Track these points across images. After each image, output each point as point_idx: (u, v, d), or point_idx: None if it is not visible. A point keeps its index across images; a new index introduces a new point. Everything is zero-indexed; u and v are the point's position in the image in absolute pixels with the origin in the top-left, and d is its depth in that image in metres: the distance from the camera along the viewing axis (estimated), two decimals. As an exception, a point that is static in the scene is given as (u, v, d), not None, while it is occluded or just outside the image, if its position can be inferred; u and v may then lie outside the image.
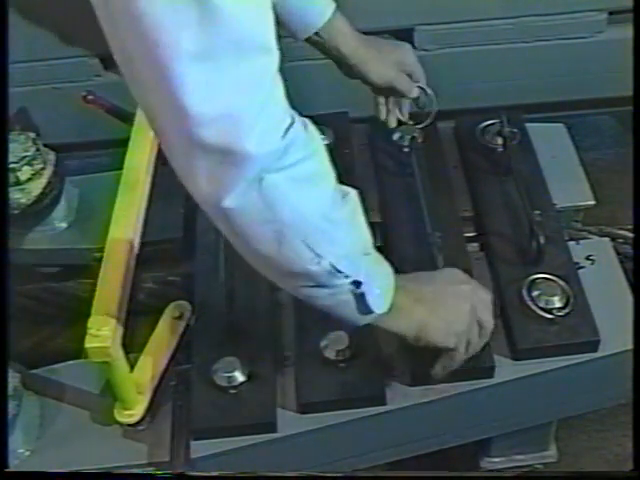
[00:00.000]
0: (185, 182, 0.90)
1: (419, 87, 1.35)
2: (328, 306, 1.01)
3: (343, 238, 0.96)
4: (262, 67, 0.84)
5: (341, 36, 1.30)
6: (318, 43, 1.31)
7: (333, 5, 1.30)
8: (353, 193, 0.98)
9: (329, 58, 1.33)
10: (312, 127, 0.92)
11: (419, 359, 1.16)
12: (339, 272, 0.95)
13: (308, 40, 1.30)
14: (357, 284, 0.97)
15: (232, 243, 0.97)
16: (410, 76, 1.34)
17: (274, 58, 0.85)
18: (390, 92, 1.36)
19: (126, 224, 1.20)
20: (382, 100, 1.38)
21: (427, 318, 1.06)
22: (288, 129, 0.87)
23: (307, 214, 0.92)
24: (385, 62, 1.33)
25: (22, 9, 1.47)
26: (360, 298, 0.99)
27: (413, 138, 1.40)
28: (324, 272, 0.95)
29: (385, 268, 1.03)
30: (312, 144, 0.92)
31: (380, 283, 1.01)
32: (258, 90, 0.85)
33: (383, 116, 1.39)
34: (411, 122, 1.40)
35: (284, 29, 1.29)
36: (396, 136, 1.41)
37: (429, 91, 1.36)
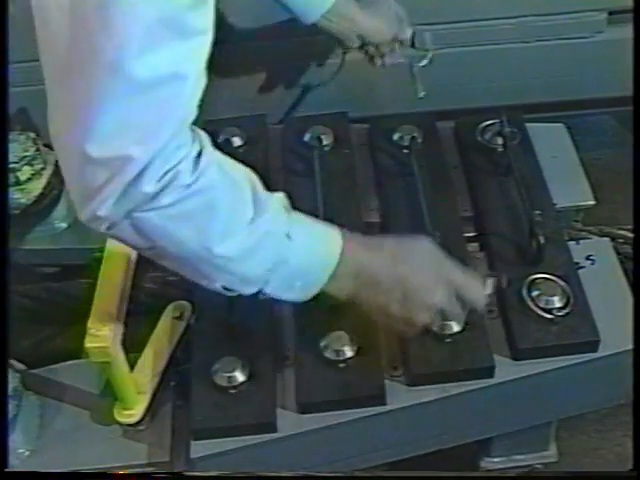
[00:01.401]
0: (69, 185, 0.89)
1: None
2: None
3: (240, 268, 0.94)
4: (166, 96, 0.83)
5: (347, 20, 1.36)
6: (324, 26, 1.35)
7: None
8: (271, 207, 0.96)
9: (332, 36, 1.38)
10: (206, 159, 0.89)
11: (419, 359, 1.17)
12: (233, 291, 0.97)
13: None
14: (262, 293, 0.98)
15: None
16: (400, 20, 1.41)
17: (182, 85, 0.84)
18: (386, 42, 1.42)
19: (126, 224, 1.20)
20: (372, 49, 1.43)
21: (388, 296, 1.03)
22: (166, 172, 0.85)
23: (188, 247, 0.91)
24: (381, 19, 1.39)
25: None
26: (272, 295, 1.00)
27: (413, 138, 1.40)
28: (220, 289, 0.97)
29: (319, 253, 1.00)
30: (199, 182, 0.88)
31: (303, 276, 0.99)
32: (153, 129, 0.83)
33: (379, 62, 1.44)
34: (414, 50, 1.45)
35: (289, 13, 1.30)
36: (396, 136, 1.42)
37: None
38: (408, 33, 1.42)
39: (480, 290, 1.08)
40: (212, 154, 0.91)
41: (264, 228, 0.94)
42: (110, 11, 0.76)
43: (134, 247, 0.95)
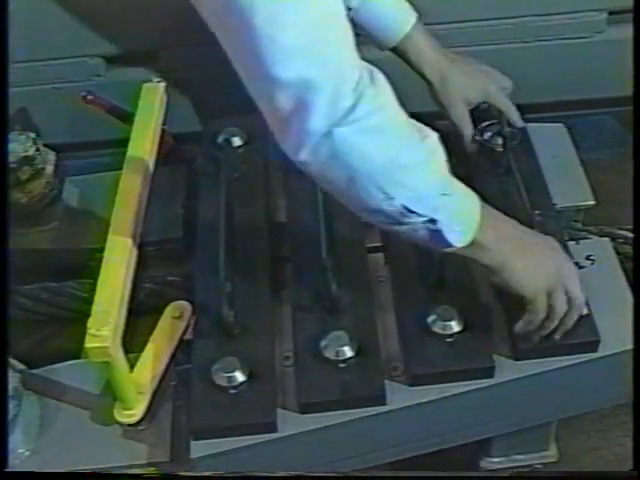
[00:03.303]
0: (275, 132, 1.00)
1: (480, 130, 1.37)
2: (408, 237, 1.06)
3: (416, 181, 1.00)
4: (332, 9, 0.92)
5: (420, 53, 1.33)
6: (400, 56, 1.34)
7: (413, 20, 1.31)
8: (433, 137, 1.02)
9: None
10: (380, 77, 0.97)
11: (419, 359, 1.17)
12: (411, 212, 1.01)
13: (392, 50, 1.33)
14: (433, 221, 1.02)
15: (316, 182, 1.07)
16: (491, 106, 1.36)
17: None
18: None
19: (126, 224, 1.20)
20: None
21: (510, 259, 1.09)
22: (357, 85, 0.93)
23: (376, 161, 0.98)
24: (462, 87, 1.35)
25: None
26: (437, 233, 1.03)
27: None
28: (397, 211, 1.00)
29: (469, 205, 1.06)
30: (380, 97, 0.96)
31: (461, 220, 1.05)
32: (332, 39, 0.92)
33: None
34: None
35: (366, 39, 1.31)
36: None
37: (507, 129, 1.36)
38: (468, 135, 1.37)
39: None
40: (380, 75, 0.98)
41: (432, 147, 1.02)
42: None
43: (330, 179, 1.01)
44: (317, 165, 0.98)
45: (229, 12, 0.89)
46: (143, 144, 1.32)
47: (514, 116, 1.39)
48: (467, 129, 1.37)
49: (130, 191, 1.25)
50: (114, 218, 1.21)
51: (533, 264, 1.11)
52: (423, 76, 1.34)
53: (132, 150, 1.31)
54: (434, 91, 1.35)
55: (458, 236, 1.04)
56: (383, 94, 0.97)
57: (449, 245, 1.05)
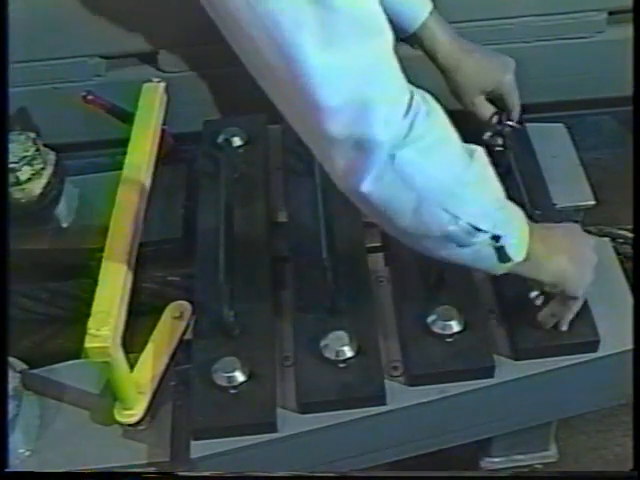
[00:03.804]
0: (325, 168, 0.96)
1: (498, 114, 1.37)
2: (468, 261, 1.05)
3: (477, 196, 0.99)
4: (380, 47, 0.88)
5: (435, 42, 1.32)
6: (416, 45, 1.33)
7: (429, 7, 1.30)
8: (479, 150, 1.00)
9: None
10: (428, 95, 0.95)
11: (419, 359, 1.17)
12: (478, 230, 0.99)
13: (404, 41, 1.31)
14: (496, 238, 1.01)
15: (373, 219, 1.03)
16: (501, 97, 1.36)
17: (389, 37, 0.89)
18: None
19: (126, 224, 1.20)
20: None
21: (565, 266, 1.10)
22: (410, 105, 0.91)
23: (440, 180, 0.96)
24: (475, 77, 1.35)
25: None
26: (500, 250, 1.02)
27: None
28: (463, 232, 0.98)
29: (519, 217, 1.06)
30: (433, 114, 0.94)
31: (516, 233, 1.04)
32: (380, 71, 0.89)
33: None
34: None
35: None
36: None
37: (511, 123, 1.36)
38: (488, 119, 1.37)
39: None
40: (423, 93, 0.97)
41: (483, 161, 1.00)
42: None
43: (394, 207, 0.97)
44: (380, 193, 0.94)
45: (277, 70, 0.87)
46: (143, 144, 1.33)
47: (516, 112, 1.39)
48: (486, 114, 1.37)
49: (130, 191, 1.25)
50: (114, 218, 1.21)
51: (584, 263, 1.12)
52: (438, 64, 1.34)
53: (132, 150, 1.31)
54: (449, 79, 1.35)
55: (515, 249, 1.04)
56: (435, 111, 0.95)
57: (508, 260, 1.03)
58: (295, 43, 0.83)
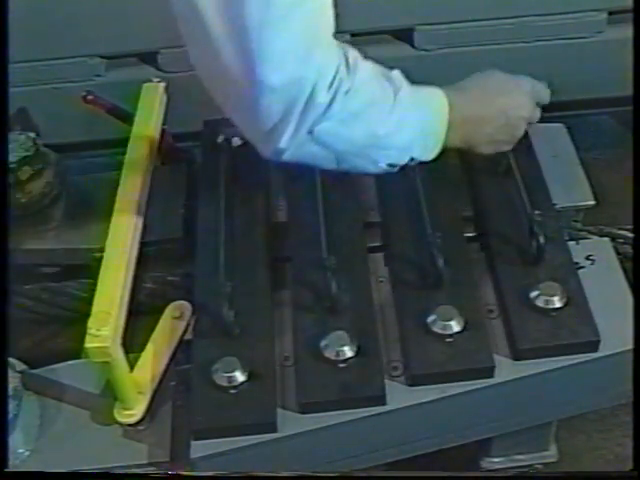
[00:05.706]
0: (246, 134, 1.06)
1: None
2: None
3: (395, 141, 1.09)
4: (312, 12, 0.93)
5: None
6: None
7: None
8: (397, 74, 1.08)
9: None
10: (352, 55, 1.00)
11: (419, 359, 1.17)
12: (394, 166, 1.13)
13: None
14: (411, 159, 1.14)
15: None
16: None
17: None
18: None
19: (126, 224, 1.20)
20: None
21: (472, 137, 1.21)
22: (334, 79, 0.96)
23: (358, 141, 1.04)
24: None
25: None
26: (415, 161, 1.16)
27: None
28: (382, 169, 1.13)
29: (438, 118, 1.15)
30: (356, 79, 0.99)
31: (433, 139, 1.15)
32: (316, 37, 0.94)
33: None
34: None
35: None
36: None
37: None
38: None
39: (546, 90, 1.30)
40: (353, 53, 1.01)
41: (405, 100, 1.08)
42: None
43: (321, 165, 1.11)
44: (300, 157, 1.03)
45: (219, 17, 0.89)
46: (143, 144, 1.33)
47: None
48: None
49: (130, 191, 1.25)
50: (114, 218, 1.21)
51: (515, 109, 1.23)
52: None
53: (132, 150, 1.31)
54: None
55: (431, 152, 1.16)
56: (358, 73, 0.99)
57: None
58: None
